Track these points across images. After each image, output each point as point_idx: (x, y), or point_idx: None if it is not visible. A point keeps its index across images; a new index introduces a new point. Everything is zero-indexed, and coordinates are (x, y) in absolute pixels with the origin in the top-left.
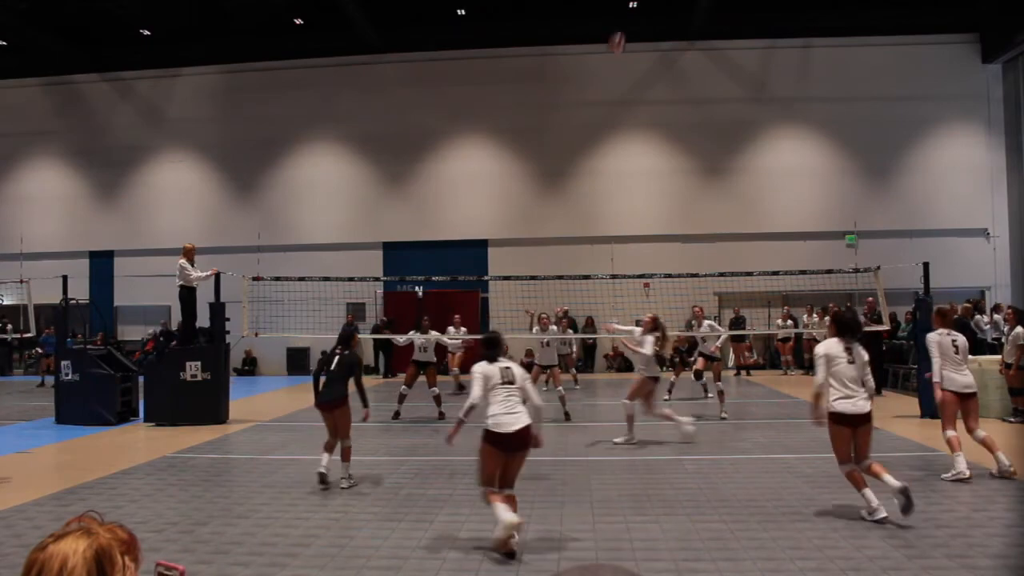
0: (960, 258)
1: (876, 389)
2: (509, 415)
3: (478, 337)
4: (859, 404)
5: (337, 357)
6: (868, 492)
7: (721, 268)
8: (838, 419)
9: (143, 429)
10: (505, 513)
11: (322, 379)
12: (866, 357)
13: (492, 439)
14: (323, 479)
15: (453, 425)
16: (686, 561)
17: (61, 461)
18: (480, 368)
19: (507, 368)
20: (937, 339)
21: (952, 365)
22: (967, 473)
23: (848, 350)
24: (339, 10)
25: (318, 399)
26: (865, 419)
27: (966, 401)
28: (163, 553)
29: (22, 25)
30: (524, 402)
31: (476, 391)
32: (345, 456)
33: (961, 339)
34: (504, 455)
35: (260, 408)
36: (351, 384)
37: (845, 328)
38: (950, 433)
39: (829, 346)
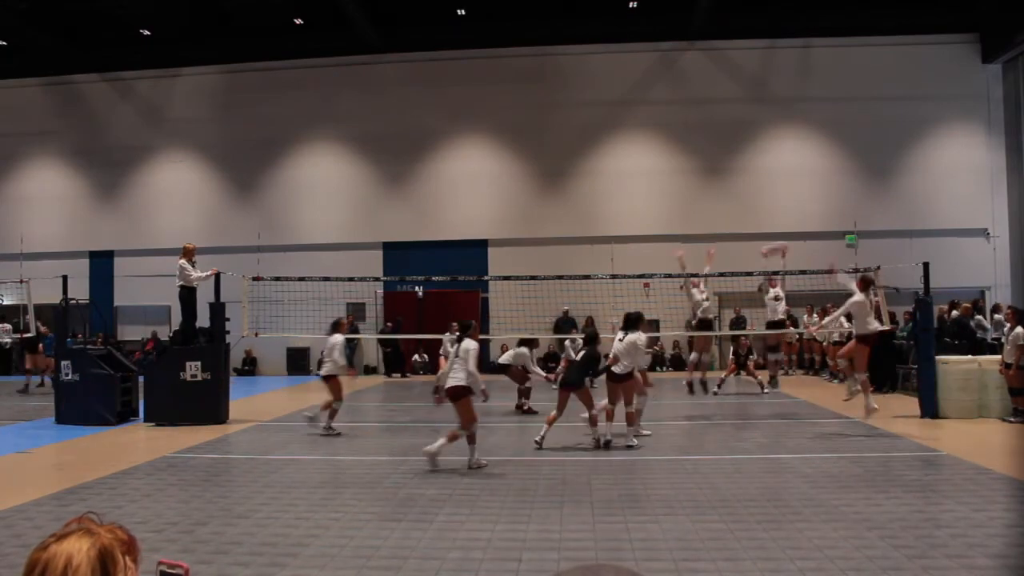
0: (960, 258)
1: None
2: (448, 376)
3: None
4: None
5: (584, 351)
6: (602, 427)
7: (721, 268)
8: (612, 377)
9: (143, 429)
10: (437, 444)
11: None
12: (631, 339)
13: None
14: (540, 443)
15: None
16: (686, 561)
17: (61, 461)
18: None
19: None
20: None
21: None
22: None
23: (622, 338)
24: (339, 10)
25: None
26: (628, 376)
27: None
28: (163, 553)
29: (22, 25)
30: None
31: (444, 364)
32: (592, 421)
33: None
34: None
35: (260, 408)
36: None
37: (630, 325)
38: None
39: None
